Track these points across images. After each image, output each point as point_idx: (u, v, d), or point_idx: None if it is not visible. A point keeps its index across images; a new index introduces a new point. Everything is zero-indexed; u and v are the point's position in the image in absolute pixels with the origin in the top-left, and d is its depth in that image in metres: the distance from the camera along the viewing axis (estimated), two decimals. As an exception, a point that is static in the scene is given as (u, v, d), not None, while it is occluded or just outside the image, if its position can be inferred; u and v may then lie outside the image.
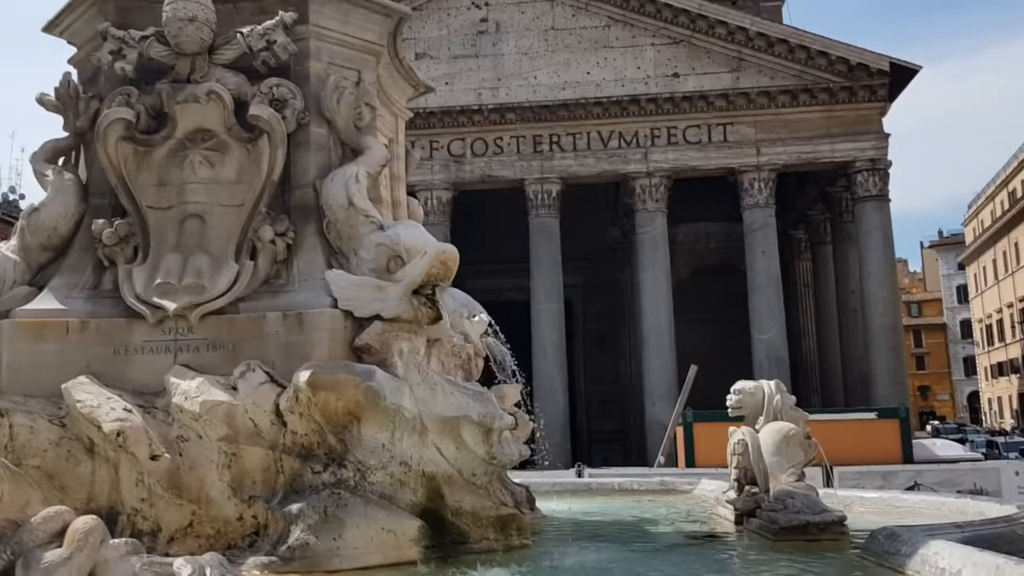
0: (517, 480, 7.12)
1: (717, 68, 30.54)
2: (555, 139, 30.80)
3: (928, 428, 51.36)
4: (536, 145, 30.83)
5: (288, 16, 6.10)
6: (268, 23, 6.09)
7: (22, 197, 61.74)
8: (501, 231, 32.11)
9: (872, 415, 21.51)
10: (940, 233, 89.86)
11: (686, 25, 30.59)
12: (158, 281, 5.55)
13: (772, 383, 7.37)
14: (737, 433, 7.13)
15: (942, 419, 69.59)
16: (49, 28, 6.83)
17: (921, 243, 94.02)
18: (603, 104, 30.35)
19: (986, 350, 73.22)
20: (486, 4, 31.67)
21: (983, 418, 73.84)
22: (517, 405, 7.23)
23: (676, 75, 30.72)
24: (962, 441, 34.88)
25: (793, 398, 7.44)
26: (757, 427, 7.11)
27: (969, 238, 76.72)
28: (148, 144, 5.90)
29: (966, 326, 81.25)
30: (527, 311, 29.21)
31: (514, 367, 7.11)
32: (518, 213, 30.79)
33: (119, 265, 5.71)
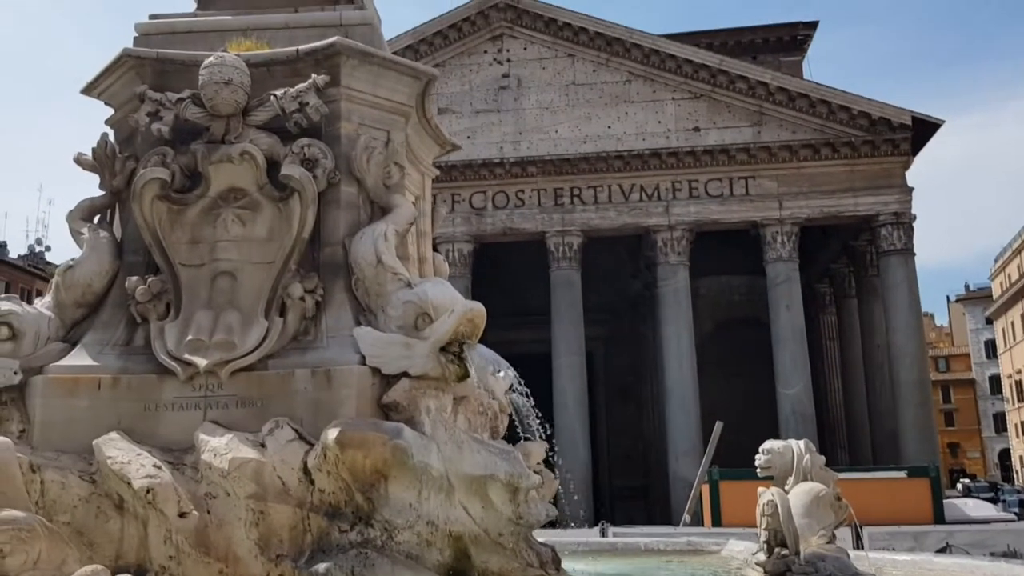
0: (541, 539, 7.05)
1: (738, 122, 30.77)
2: (576, 192, 31.03)
3: (959, 487, 50.31)
4: (557, 198, 31.08)
5: (321, 79, 6.24)
6: (301, 86, 6.23)
7: (48, 249, 62.96)
8: (522, 283, 32.23)
9: (902, 474, 21.16)
10: (967, 287, 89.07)
11: (706, 80, 30.94)
12: (189, 337, 5.62)
13: (801, 443, 7.29)
14: (766, 494, 7.04)
15: (972, 477, 68.11)
16: (88, 90, 7.02)
17: (948, 297, 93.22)
18: (624, 157, 30.61)
19: (1016, 406, 71.94)
20: (508, 60, 32.25)
21: (1015, 476, 72.19)
22: (542, 463, 7.18)
23: (697, 129, 30.97)
24: (994, 500, 34.15)
25: (822, 458, 7.35)
26: (786, 487, 7.02)
27: (996, 292, 75.92)
28: (182, 203, 6.02)
29: (995, 381, 79.96)
30: (548, 364, 29.14)
31: (539, 423, 7.07)
32: (539, 266, 30.92)
33: (151, 322, 5.79)
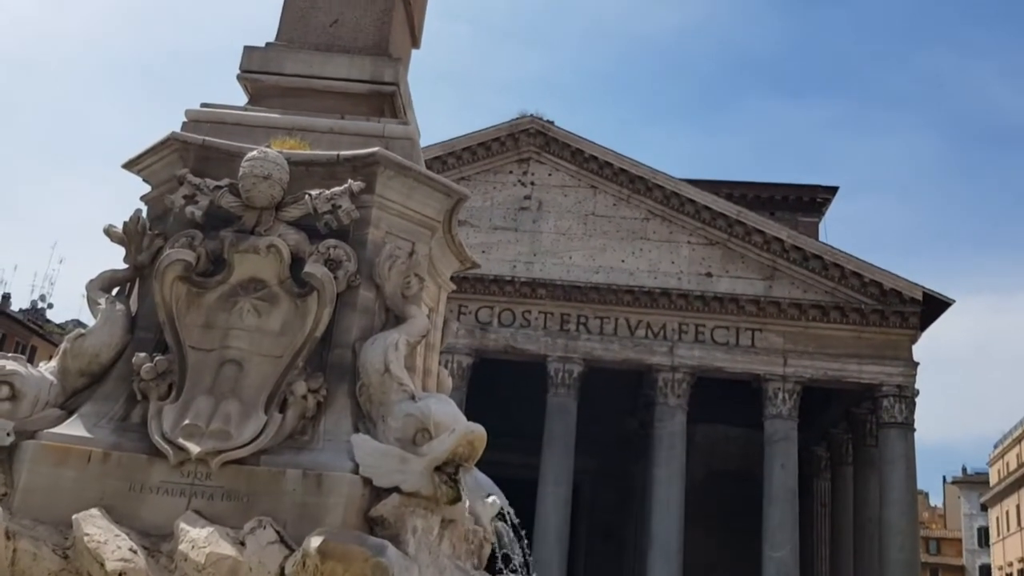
0: None
1: (750, 274, 31.18)
2: (583, 320, 31.20)
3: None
4: (563, 324, 31.24)
5: (356, 185, 6.40)
6: (336, 189, 6.39)
7: (50, 307, 63.18)
8: (517, 404, 31.96)
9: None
10: (964, 470, 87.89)
11: (723, 228, 31.54)
12: (186, 422, 5.56)
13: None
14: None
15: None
16: (129, 165, 7.21)
17: (944, 477, 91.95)
18: (634, 293, 30.90)
19: (1006, 599, 69.68)
20: (532, 183, 33.05)
21: (1000, 673, 69.24)
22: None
23: (709, 275, 31.38)
24: None
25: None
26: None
27: (993, 479, 74.81)
28: (202, 286, 6.08)
29: (985, 571, 77.74)
30: (533, 491, 28.58)
31: (527, 558, 6.89)
32: (537, 389, 30.77)
33: (151, 400, 5.75)
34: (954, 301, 29.94)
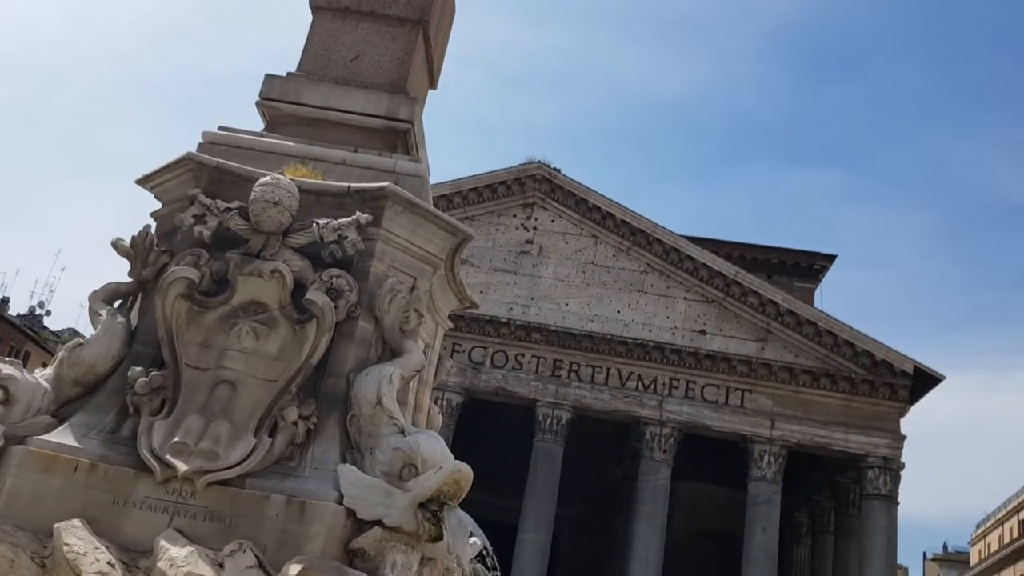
0: None
1: (744, 334, 31.28)
2: (574, 367, 31.21)
3: None
4: (555, 369, 31.23)
5: (364, 217, 6.50)
6: (344, 220, 6.48)
7: (48, 313, 63.00)
8: (502, 446, 31.79)
9: None
10: (945, 547, 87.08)
11: (720, 288, 31.70)
12: (176, 439, 5.58)
13: None
14: None
15: None
16: (142, 182, 7.31)
17: (924, 553, 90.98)
18: (628, 344, 30.95)
19: None
20: (534, 228, 33.26)
21: None
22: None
23: (703, 332, 31.46)
24: None
25: None
26: None
27: (974, 559, 74.16)
28: (204, 305, 6.13)
29: (961, 651, 76.65)
30: (513, 536, 28.34)
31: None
32: (523, 432, 30.66)
33: (143, 415, 5.77)
34: (944, 377, 30.01)
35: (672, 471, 29.74)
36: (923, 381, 30.04)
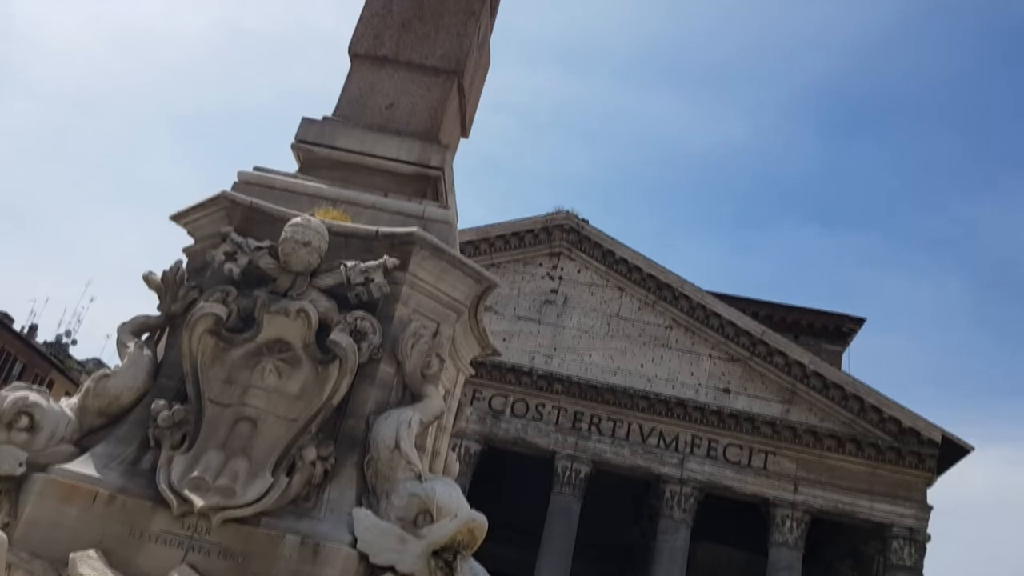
0: None
1: (769, 395, 30.86)
2: (595, 421, 30.88)
3: None
4: (576, 421, 30.92)
5: (391, 262, 6.57)
6: (371, 263, 6.55)
7: (74, 343, 63.82)
8: (519, 497, 31.46)
9: None
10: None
11: (746, 346, 31.38)
12: (194, 474, 5.61)
13: None
14: None
15: None
16: (176, 218, 7.46)
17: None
18: (650, 399, 30.64)
19: None
20: (560, 278, 33.27)
21: None
22: None
23: (727, 391, 31.09)
24: None
25: None
26: None
27: (1001, 636, 71.68)
28: (230, 342, 6.21)
29: None
30: (527, 590, 27.84)
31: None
32: (541, 483, 30.29)
33: (164, 448, 5.81)
34: (973, 448, 29.34)
35: (691, 531, 29.20)
36: (951, 451, 29.39)
